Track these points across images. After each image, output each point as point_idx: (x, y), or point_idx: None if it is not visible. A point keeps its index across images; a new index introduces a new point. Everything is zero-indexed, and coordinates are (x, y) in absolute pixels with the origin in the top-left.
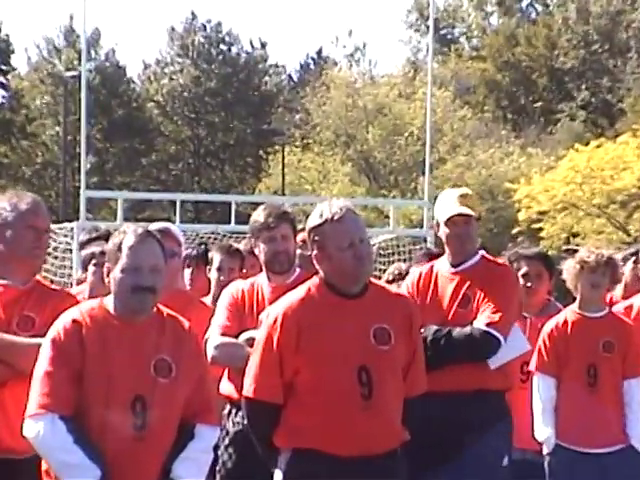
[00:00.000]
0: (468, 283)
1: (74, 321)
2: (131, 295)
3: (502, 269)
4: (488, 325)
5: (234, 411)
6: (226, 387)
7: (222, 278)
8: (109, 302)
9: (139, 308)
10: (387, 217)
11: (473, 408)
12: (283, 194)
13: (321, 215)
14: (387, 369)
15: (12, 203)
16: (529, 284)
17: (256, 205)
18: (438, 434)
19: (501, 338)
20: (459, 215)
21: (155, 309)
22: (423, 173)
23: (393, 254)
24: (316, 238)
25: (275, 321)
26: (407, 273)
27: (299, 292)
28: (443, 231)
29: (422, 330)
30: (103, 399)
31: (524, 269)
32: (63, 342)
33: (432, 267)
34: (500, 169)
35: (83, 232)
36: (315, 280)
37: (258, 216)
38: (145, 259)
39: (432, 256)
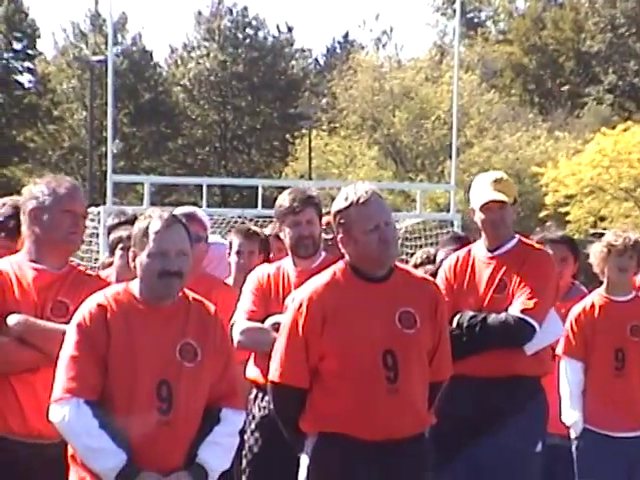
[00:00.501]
0: (504, 268)
1: (99, 305)
2: (157, 280)
3: (538, 253)
4: (523, 312)
5: (260, 395)
6: (252, 372)
7: (242, 262)
8: (134, 287)
9: (165, 293)
10: (414, 201)
11: (506, 393)
12: (310, 178)
13: (346, 198)
14: (412, 353)
15: (50, 187)
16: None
17: (283, 189)
18: (470, 419)
19: (536, 325)
20: (493, 201)
21: (181, 293)
22: (450, 157)
23: (420, 238)
24: (341, 221)
25: (300, 306)
26: (435, 258)
27: (324, 276)
28: (478, 217)
29: (458, 316)
30: (128, 384)
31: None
32: (88, 327)
33: (469, 251)
34: (527, 153)
35: (111, 216)
36: (340, 264)
37: (283, 200)
38: (172, 244)
39: (459, 240)
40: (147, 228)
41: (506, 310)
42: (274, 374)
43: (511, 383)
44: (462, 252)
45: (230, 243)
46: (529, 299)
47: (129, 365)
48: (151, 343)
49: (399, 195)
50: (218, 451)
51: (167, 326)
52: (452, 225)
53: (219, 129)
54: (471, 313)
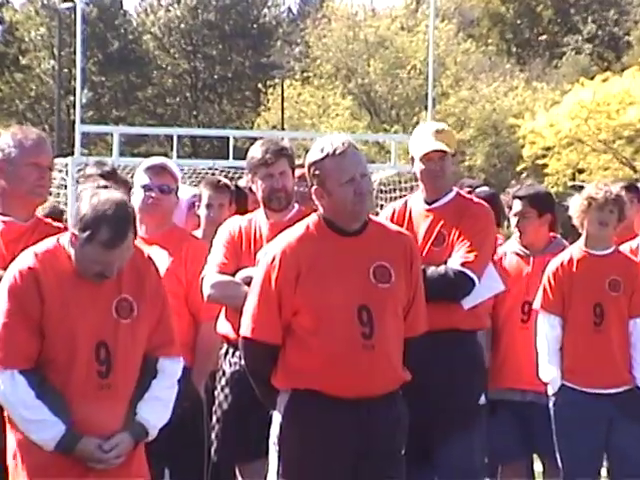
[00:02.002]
0: (442, 221)
1: (30, 269)
2: (93, 276)
3: (477, 207)
4: (462, 265)
5: (231, 351)
6: (223, 326)
7: (212, 214)
8: (67, 246)
9: (98, 282)
10: (388, 152)
11: (445, 347)
12: (282, 129)
13: (322, 149)
14: (388, 308)
15: (16, 139)
16: (519, 223)
17: (255, 140)
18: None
19: (475, 278)
20: (434, 151)
21: None
22: (425, 108)
23: (394, 190)
24: (316, 172)
25: (273, 260)
26: None
27: (297, 230)
28: (418, 167)
29: None
30: (66, 349)
31: (515, 209)
32: (20, 292)
33: (406, 204)
34: (504, 104)
35: (90, 166)
36: (314, 217)
37: (255, 152)
38: (117, 257)
39: None
40: (93, 233)
41: (444, 263)
42: (246, 329)
43: (449, 336)
44: (398, 204)
45: (199, 196)
46: (468, 252)
47: (66, 329)
48: (87, 304)
49: (373, 146)
50: (157, 406)
51: (101, 284)
52: None
53: (190, 78)
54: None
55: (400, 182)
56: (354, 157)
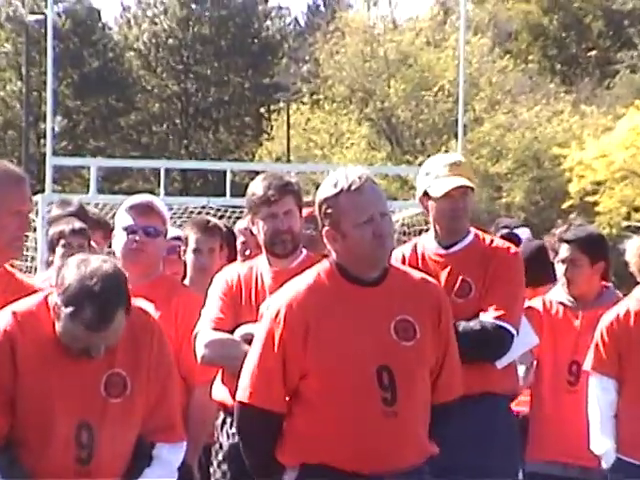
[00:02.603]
0: (464, 268)
1: (5, 332)
2: (77, 352)
3: (504, 251)
4: (499, 318)
5: (229, 421)
6: (219, 392)
7: (201, 261)
8: (53, 304)
9: (85, 358)
10: (413, 188)
11: (478, 416)
12: (288, 161)
13: (335, 184)
14: (412, 369)
15: None
16: (568, 272)
17: (256, 174)
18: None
19: (514, 332)
20: (456, 188)
21: None
22: (455, 136)
23: (420, 233)
24: (328, 211)
25: (277, 314)
26: None
27: (305, 279)
28: (433, 207)
29: None
30: (42, 427)
31: (563, 255)
32: None
33: (415, 248)
34: (547, 131)
35: (52, 206)
36: (325, 264)
37: (256, 188)
38: (103, 339)
39: None
40: (75, 311)
41: (473, 317)
42: (242, 393)
43: (482, 402)
44: (407, 249)
45: (185, 239)
46: (502, 304)
47: (41, 406)
48: (70, 378)
49: (395, 181)
50: None
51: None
52: None
53: (180, 102)
54: None
55: (426, 222)
56: (373, 193)
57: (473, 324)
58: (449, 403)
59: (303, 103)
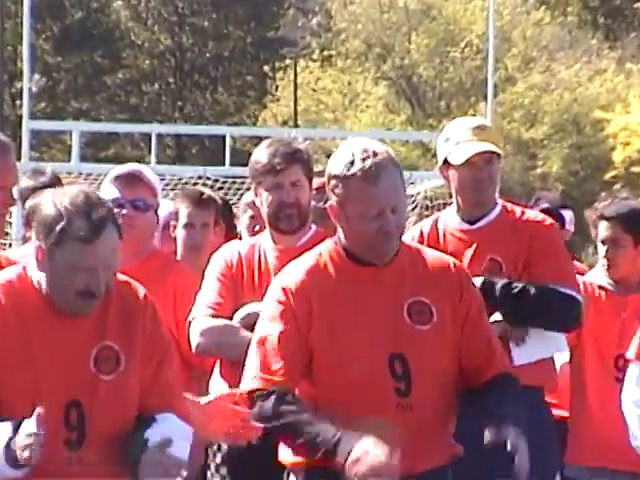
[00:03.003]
0: (492, 245)
1: None
2: (74, 298)
3: (539, 224)
4: (563, 284)
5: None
6: (218, 386)
7: (193, 238)
8: (36, 275)
9: (81, 311)
10: (436, 156)
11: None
12: (295, 125)
13: (352, 162)
14: (430, 355)
15: None
16: (609, 253)
17: (259, 140)
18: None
19: (580, 298)
20: (481, 154)
21: None
22: (484, 97)
23: (444, 205)
24: (337, 190)
25: (278, 299)
26: None
27: (307, 260)
28: (454, 176)
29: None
30: (24, 408)
31: (603, 234)
32: None
33: (435, 224)
34: (588, 92)
35: (24, 176)
36: (329, 244)
37: (260, 155)
38: (101, 258)
39: None
40: (64, 229)
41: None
42: (256, 380)
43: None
44: (425, 225)
45: (176, 213)
46: (561, 271)
47: (26, 382)
48: (57, 351)
49: (416, 148)
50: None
51: (78, 326)
52: None
53: (173, 59)
54: (501, 280)
55: (450, 195)
56: (390, 184)
57: (543, 287)
58: (492, 381)
59: (312, 60)
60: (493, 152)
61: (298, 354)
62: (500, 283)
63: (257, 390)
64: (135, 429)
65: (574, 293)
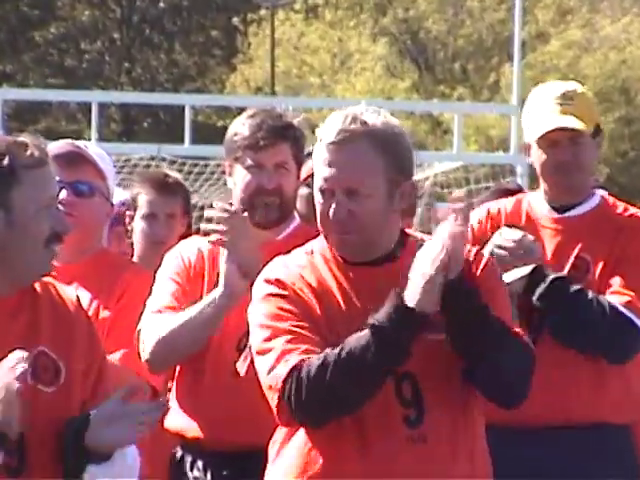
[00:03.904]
0: (583, 239)
1: None
2: (44, 251)
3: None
4: (627, 306)
5: (189, 460)
6: (175, 418)
7: (155, 231)
8: None
9: (46, 269)
10: (448, 132)
11: (588, 450)
12: (272, 92)
13: (325, 128)
14: (444, 371)
15: None
16: None
17: (225, 111)
18: None
19: None
20: (560, 130)
21: None
22: (510, 58)
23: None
24: (311, 164)
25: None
26: None
27: (298, 257)
28: (537, 156)
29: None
30: None
31: None
32: None
33: (519, 205)
34: (639, 52)
35: None
36: (321, 241)
37: (240, 126)
38: (54, 188)
39: (509, 195)
40: (12, 162)
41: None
42: (286, 365)
43: (594, 434)
44: (506, 205)
45: (133, 201)
46: (632, 291)
47: None
48: None
49: (423, 121)
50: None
51: (8, 327)
52: (512, 173)
53: (119, 9)
54: (553, 273)
55: (468, 181)
56: (352, 158)
57: (605, 298)
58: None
59: (294, 11)
60: (577, 130)
61: (318, 332)
62: (574, 288)
63: (293, 369)
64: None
65: (634, 318)
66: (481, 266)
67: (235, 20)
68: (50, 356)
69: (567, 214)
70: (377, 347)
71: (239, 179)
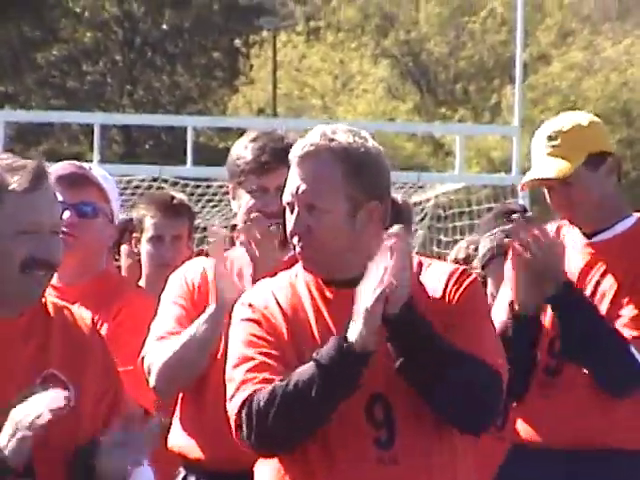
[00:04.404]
0: (605, 263)
1: None
2: (20, 275)
3: None
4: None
5: None
6: (177, 439)
7: (162, 254)
8: None
9: (30, 295)
10: (450, 154)
11: (599, 476)
12: (274, 114)
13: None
14: (417, 396)
15: None
16: None
17: (227, 133)
18: None
19: None
20: (538, 180)
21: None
22: (512, 80)
23: (461, 215)
24: None
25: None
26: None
27: (280, 280)
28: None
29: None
30: None
31: None
32: None
33: (558, 232)
34: None
35: None
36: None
37: (243, 149)
38: (46, 214)
39: (513, 214)
40: (3, 172)
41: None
42: (241, 395)
43: (607, 461)
44: (550, 228)
45: (138, 223)
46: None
47: None
48: None
49: (425, 143)
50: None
51: (19, 349)
52: (513, 194)
53: (121, 31)
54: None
55: (470, 202)
56: (313, 171)
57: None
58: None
59: (296, 33)
60: (552, 178)
61: (282, 360)
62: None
63: (246, 400)
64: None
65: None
66: (462, 288)
67: (237, 42)
68: (60, 378)
69: (595, 239)
70: (321, 382)
71: (243, 203)
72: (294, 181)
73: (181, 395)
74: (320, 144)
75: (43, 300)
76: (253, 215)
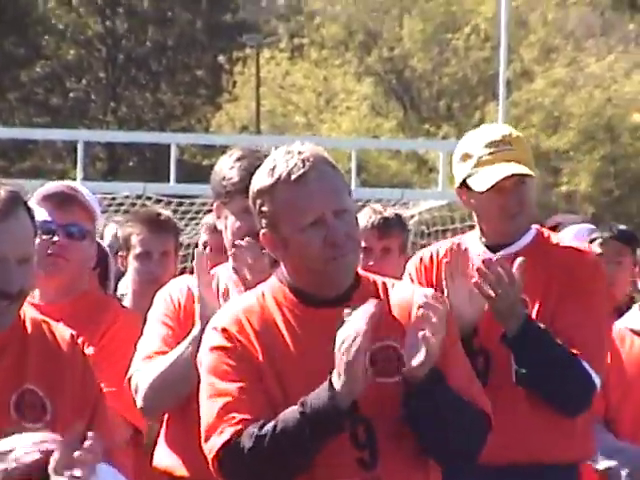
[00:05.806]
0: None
1: None
2: None
3: (587, 260)
4: (585, 355)
5: None
6: (163, 457)
7: (149, 270)
8: None
9: None
10: (433, 170)
11: None
12: (258, 131)
13: (273, 168)
14: (400, 415)
15: None
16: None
17: (211, 150)
18: None
19: (598, 383)
20: (510, 177)
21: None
22: (495, 96)
23: (445, 232)
24: (263, 208)
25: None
26: None
27: (246, 300)
28: (478, 202)
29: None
30: None
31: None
32: None
33: (459, 246)
34: (625, 90)
35: None
36: (273, 281)
37: (228, 169)
38: (11, 244)
39: None
40: None
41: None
42: (220, 437)
43: (534, 475)
44: (438, 249)
45: (125, 240)
46: (586, 340)
47: None
48: None
49: (409, 160)
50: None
51: None
52: None
53: (105, 48)
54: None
55: (453, 219)
56: (324, 182)
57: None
58: None
59: (279, 50)
60: (523, 174)
61: (260, 391)
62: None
63: (227, 443)
64: None
65: (592, 374)
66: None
67: (220, 59)
68: (37, 393)
69: (502, 252)
70: (308, 431)
71: (229, 223)
72: (318, 194)
73: (167, 414)
74: (312, 163)
75: (22, 316)
76: (245, 241)
